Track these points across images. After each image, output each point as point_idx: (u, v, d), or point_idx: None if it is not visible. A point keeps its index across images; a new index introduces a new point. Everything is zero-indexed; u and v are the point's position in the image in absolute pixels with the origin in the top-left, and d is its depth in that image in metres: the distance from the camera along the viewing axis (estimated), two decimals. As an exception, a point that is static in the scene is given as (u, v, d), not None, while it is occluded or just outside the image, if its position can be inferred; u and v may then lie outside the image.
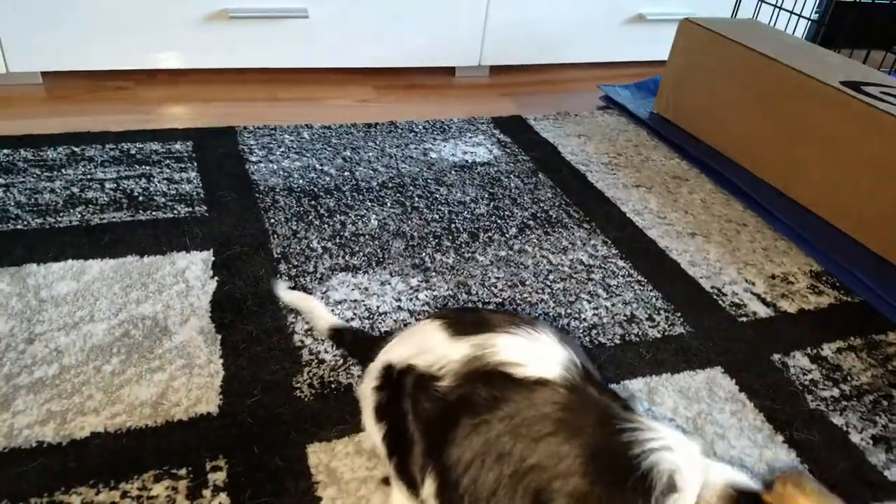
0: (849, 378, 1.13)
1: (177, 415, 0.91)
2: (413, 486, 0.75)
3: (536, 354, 0.72)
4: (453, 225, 1.39)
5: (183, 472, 0.84)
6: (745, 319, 1.23)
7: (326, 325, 1.04)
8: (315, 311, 1.07)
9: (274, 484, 0.84)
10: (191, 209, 1.32)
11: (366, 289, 1.18)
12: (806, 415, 1.05)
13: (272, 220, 1.32)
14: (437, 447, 0.71)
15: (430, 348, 0.76)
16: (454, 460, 0.70)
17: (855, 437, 1.02)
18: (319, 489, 0.84)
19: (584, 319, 1.19)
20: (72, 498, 0.80)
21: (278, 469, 0.86)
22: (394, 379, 0.78)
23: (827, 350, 1.18)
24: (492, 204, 1.49)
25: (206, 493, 0.82)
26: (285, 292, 1.10)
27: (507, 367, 0.70)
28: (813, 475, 0.95)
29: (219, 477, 0.84)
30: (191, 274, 1.16)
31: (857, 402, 1.08)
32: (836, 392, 1.10)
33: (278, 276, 1.16)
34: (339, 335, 1.03)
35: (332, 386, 0.99)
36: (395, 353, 0.81)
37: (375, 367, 0.82)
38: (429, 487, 0.72)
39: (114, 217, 1.28)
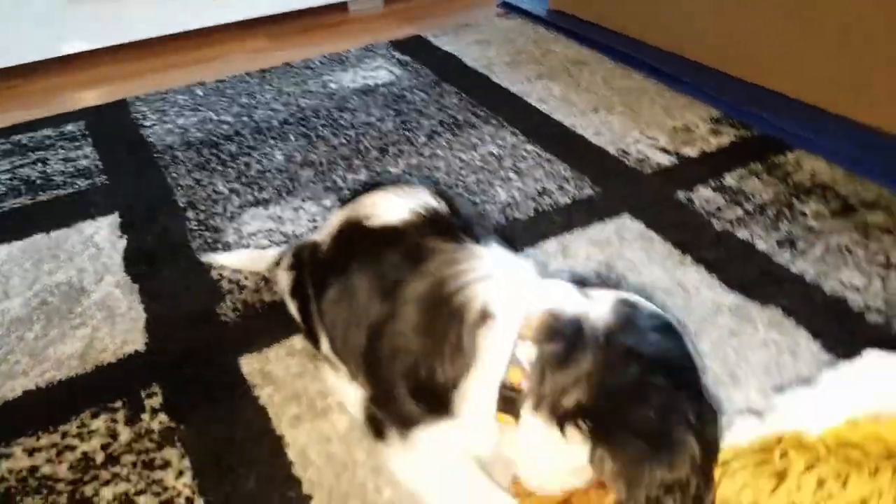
0: (752, 198, 1.21)
1: (105, 359, 0.96)
2: (313, 339, 0.84)
3: (390, 204, 0.77)
4: (361, 145, 1.43)
5: (118, 404, 0.89)
6: (650, 171, 1.31)
7: (272, 257, 1.06)
8: (252, 256, 1.11)
9: (211, 396, 0.90)
10: (91, 181, 1.34)
11: (279, 217, 1.22)
12: (713, 237, 1.13)
13: (174, 175, 1.34)
14: (320, 297, 0.79)
15: (328, 224, 0.84)
16: (330, 316, 0.78)
17: (761, 245, 1.10)
18: (257, 390, 0.90)
19: (499, 201, 1.25)
20: (14, 449, 0.84)
21: (213, 383, 0.92)
22: (299, 251, 0.86)
23: (729, 179, 1.26)
24: (398, 119, 1.53)
25: (145, 416, 0.87)
26: (211, 257, 1.12)
27: (363, 220, 0.77)
28: (725, 284, 1.03)
29: (155, 401, 0.89)
30: (99, 238, 1.19)
31: (760, 216, 1.17)
32: (740, 212, 1.18)
33: (193, 239, 1.18)
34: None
35: (257, 306, 1.03)
36: (307, 238, 0.89)
37: (288, 252, 0.91)
38: (324, 344, 0.82)
39: (15, 203, 1.29)
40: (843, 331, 0.95)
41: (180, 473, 0.80)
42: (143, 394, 0.90)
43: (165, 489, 0.79)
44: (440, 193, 0.80)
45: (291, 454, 0.82)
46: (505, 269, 0.70)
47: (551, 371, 0.61)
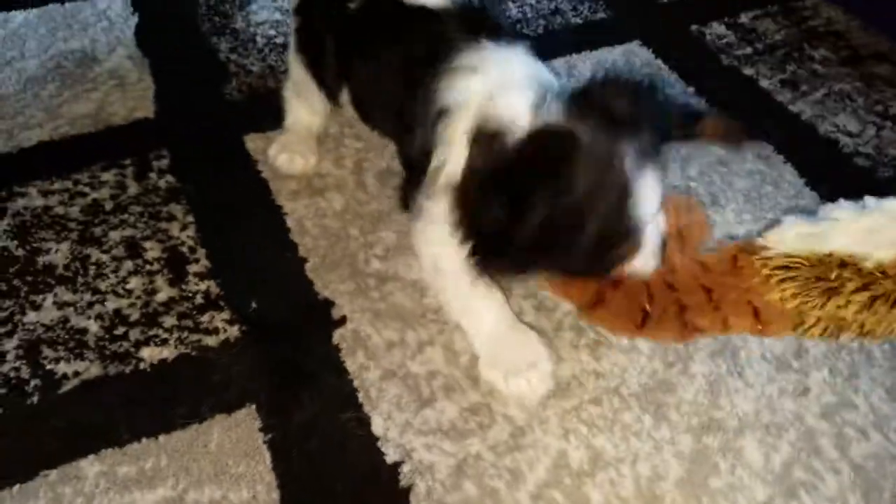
0: (763, 38, 1.11)
1: (115, 122, 0.92)
2: (330, 92, 0.80)
3: None
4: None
5: (128, 161, 0.86)
6: (666, 0, 1.19)
7: None
8: None
9: (216, 164, 0.87)
10: (105, -43, 1.23)
11: (287, 10, 1.12)
12: (719, 71, 1.05)
13: (189, -42, 1.23)
14: (347, 61, 0.75)
15: None
16: (361, 76, 0.74)
17: (764, 83, 1.03)
18: (259, 165, 0.87)
19: (510, 17, 1.15)
20: (29, 189, 0.83)
21: (218, 154, 0.89)
22: None
23: (744, 17, 1.15)
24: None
25: (153, 175, 0.85)
26: None
27: None
28: (721, 114, 0.97)
29: (162, 163, 0.87)
30: (112, 12, 1.10)
31: (769, 57, 1.08)
32: (749, 50, 1.09)
33: (203, 23, 1.09)
34: None
35: (262, 91, 0.98)
36: None
37: None
38: (345, 96, 0.78)
39: (29, -28, 1.19)
40: (828, 170, 0.90)
41: (184, 227, 0.79)
42: (151, 155, 0.87)
43: (170, 238, 0.78)
44: None
45: (289, 222, 0.80)
46: (495, 66, 0.64)
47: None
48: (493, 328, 0.67)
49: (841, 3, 1.18)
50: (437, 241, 0.65)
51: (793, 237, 0.61)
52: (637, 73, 0.64)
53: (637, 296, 0.65)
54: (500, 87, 0.61)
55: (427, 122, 0.64)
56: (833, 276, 0.59)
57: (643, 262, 0.62)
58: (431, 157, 0.64)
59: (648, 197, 0.58)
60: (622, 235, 0.59)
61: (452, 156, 0.62)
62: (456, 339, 0.70)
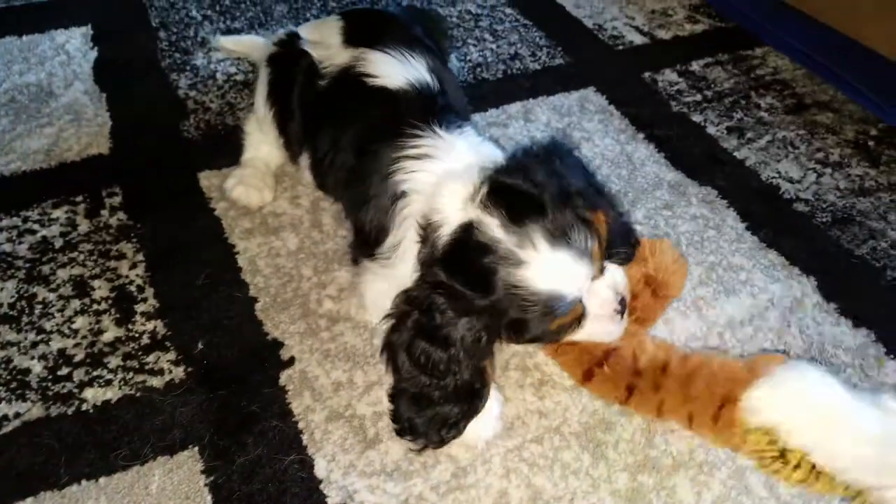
0: (713, 85, 1.19)
1: (69, 158, 0.95)
2: (292, 153, 0.88)
3: (392, 70, 0.79)
4: (340, -12, 1.36)
5: (80, 198, 0.89)
6: (621, 48, 1.27)
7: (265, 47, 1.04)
8: (256, 43, 1.10)
9: (169, 202, 0.90)
10: (66, -9, 1.27)
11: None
12: (669, 117, 1.12)
13: (148, -6, 1.28)
14: (311, 131, 0.82)
15: (327, 45, 0.84)
16: (322, 146, 0.81)
17: (711, 130, 1.10)
18: (213, 203, 0.90)
19: (470, 60, 1.21)
20: (-25, 227, 0.85)
21: (172, 191, 0.92)
22: (291, 53, 0.86)
23: (695, 66, 1.23)
24: (382, -31, 1.45)
25: (104, 212, 0.88)
26: (220, 40, 1.13)
27: (365, 77, 0.79)
28: (670, 162, 1.04)
29: (115, 200, 0.89)
30: (71, 46, 1.14)
31: (717, 104, 1.15)
32: (698, 97, 1.16)
33: (163, 58, 1.14)
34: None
35: (219, 128, 1.02)
36: (302, 30, 0.89)
37: (278, 36, 0.91)
38: (305, 160, 0.85)
39: (-15, 4, 1.22)
40: (769, 215, 0.97)
41: (134, 265, 0.82)
42: (104, 192, 0.90)
43: (118, 276, 0.81)
44: (435, 71, 0.81)
45: (241, 261, 0.84)
46: (450, 153, 0.70)
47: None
48: None
49: (788, 52, 1.28)
50: (384, 293, 0.69)
51: (776, 411, 0.64)
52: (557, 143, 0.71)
53: (623, 377, 0.69)
54: (446, 177, 0.67)
55: (383, 201, 0.70)
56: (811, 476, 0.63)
57: (601, 330, 0.66)
58: (387, 233, 0.70)
59: (564, 274, 0.61)
60: (545, 316, 0.61)
61: (407, 239, 0.68)
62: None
